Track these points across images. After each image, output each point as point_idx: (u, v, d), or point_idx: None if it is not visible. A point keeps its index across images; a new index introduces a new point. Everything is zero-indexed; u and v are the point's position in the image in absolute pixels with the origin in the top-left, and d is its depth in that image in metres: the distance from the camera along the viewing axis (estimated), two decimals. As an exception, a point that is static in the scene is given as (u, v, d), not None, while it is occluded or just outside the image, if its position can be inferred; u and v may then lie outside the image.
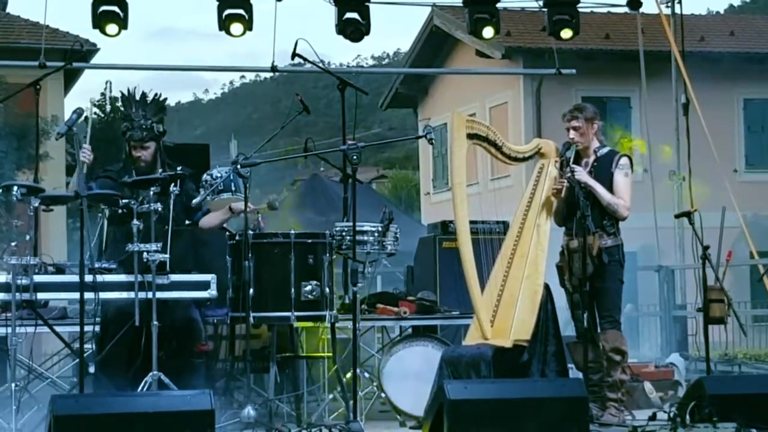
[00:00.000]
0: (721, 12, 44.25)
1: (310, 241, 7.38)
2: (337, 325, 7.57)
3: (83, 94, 54.50)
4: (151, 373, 6.61)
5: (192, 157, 9.24)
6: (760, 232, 15.72)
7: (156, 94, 7.52)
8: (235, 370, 7.57)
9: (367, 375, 8.06)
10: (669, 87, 15.81)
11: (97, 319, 6.93)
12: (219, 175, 7.60)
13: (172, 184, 6.95)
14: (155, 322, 6.63)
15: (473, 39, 16.02)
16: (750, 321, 14.55)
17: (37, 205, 6.64)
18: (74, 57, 12.45)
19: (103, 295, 6.69)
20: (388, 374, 7.85)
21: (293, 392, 7.98)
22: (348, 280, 7.32)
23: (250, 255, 7.13)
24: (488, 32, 11.05)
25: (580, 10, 11.25)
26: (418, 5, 16.68)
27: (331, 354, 7.83)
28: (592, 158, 7.61)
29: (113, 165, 7.60)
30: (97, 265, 6.70)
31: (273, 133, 7.78)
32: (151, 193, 6.78)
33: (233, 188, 7.60)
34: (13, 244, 6.67)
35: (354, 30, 10.61)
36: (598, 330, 7.51)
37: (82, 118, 7.22)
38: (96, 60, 19.09)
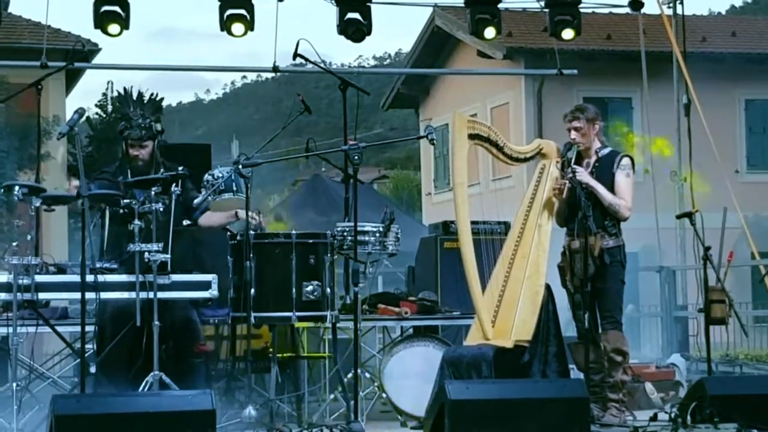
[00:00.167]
0: (723, 12, 44.31)
1: (311, 241, 7.38)
2: (338, 325, 7.57)
3: (85, 94, 54.70)
4: (152, 373, 6.61)
5: (193, 158, 9.24)
6: (762, 233, 15.72)
7: (152, 94, 7.52)
8: (236, 370, 7.57)
9: (368, 375, 8.06)
10: (670, 87, 15.83)
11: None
12: (220, 175, 7.60)
13: (174, 184, 6.95)
14: (156, 322, 6.63)
15: (475, 39, 16.03)
16: (751, 322, 14.54)
17: (38, 205, 6.64)
18: (76, 57, 12.46)
19: (104, 295, 6.69)
20: (389, 374, 7.85)
21: (294, 392, 7.98)
22: (349, 281, 7.33)
23: (251, 255, 7.13)
24: (490, 33, 11.04)
25: (581, 10, 11.25)
26: (420, 6, 16.74)
27: (332, 354, 7.84)
28: (593, 159, 7.60)
29: (109, 166, 7.60)
30: (98, 265, 6.70)
31: (274, 134, 7.78)
32: (153, 193, 6.78)
33: (234, 188, 7.60)
34: (14, 244, 6.67)
35: (355, 30, 10.61)
36: (600, 330, 7.51)
37: (84, 118, 7.20)
38: (97, 60, 19.10)
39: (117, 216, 7.11)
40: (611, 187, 7.49)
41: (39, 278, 6.62)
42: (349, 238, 7.40)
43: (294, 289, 7.24)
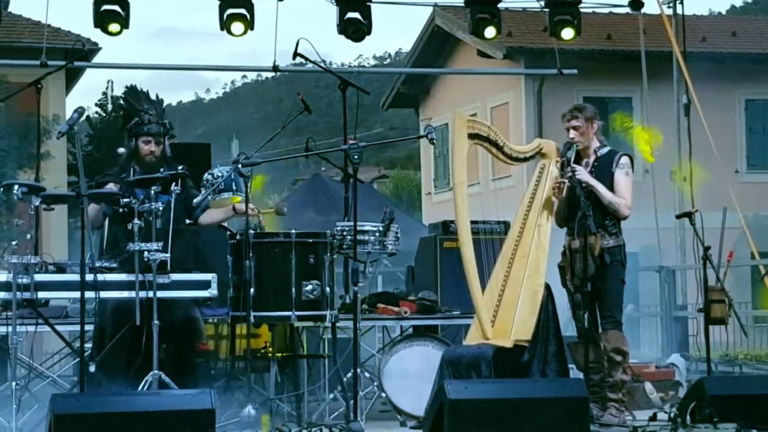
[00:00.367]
0: (723, 12, 44.31)
1: (310, 240, 7.37)
2: (337, 324, 7.57)
3: (85, 94, 54.68)
4: (151, 372, 6.61)
5: (193, 157, 9.24)
6: (761, 233, 15.71)
7: (156, 95, 7.53)
8: (236, 369, 7.56)
9: (367, 375, 8.06)
10: (670, 87, 15.83)
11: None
12: (220, 174, 7.60)
13: (174, 183, 6.94)
14: (156, 321, 6.63)
15: (475, 39, 16.03)
16: (751, 322, 14.54)
17: (37, 204, 6.64)
18: (76, 56, 12.46)
19: (104, 294, 6.69)
20: (388, 374, 7.85)
21: (294, 392, 7.98)
22: (349, 280, 7.33)
23: (250, 254, 7.13)
24: (490, 32, 11.05)
25: (581, 10, 11.26)
26: (420, 5, 16.73)
27: (331, 354, 7.83)
28: (592, 158, 7.61)
29: (111, 168, 7.56)
30: (97, 264, 6.70)
31: (274, 133, 7.78)
32: (153, 192, 6.78)
33: (234, 188, 7.60)
34: (14, 243, 6.67)
35: (355, 30, 10.61)
36: (599, 330, 7.51)
37: (83, 117, 7.20)
38: (97, 59, 19.12)
39: (117, 215, 7.11)
40: (610, 186, 7.49)
41: (38, 277, 6.62)
42: (349, 237, 7.40)
43: (293, 289, 7.24)
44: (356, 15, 10.59)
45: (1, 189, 6.84)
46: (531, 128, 20.90)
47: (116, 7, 10.23)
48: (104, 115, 25.66)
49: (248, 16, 10.49)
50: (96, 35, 17.91)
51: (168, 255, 6.72)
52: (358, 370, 7.20)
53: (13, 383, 6.50)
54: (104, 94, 26.00)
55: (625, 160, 7.58)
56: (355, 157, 7.14)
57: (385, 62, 64.67)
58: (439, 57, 23.79)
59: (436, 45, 23.67)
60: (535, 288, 7.32)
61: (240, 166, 7.18)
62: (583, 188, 7.38)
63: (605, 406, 7.45)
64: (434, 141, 7.61)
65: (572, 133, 7.57)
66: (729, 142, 20.84)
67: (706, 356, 8.27)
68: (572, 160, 7.49)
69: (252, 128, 45.91)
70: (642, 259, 14.83)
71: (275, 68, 11.33)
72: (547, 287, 7.36)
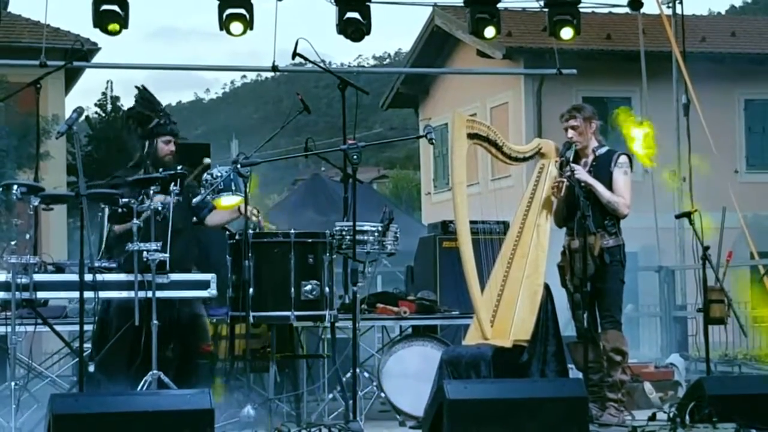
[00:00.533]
0: (723, 12, 44.31)
1: (310, 240, 7.37)
2: (336, 324, 7.57)
3: (84, 94, 54.67)
4: (150, 372, 6.61)
5: (193, 157, 9.23)
6: (761, 233, 15.72)
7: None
8: (235, 369, 7.56)
9: (366, 375, 8.06)
10: (670, 87, 15.82)
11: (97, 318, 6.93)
12: (219, 174, 7.60)
13: (172, 183, 6.95)
14: (155, 322, 6.63)
15: (474, 39, 16.03)
16: (750, 321, 14.53)
17: (36, 204, 6.64)
18: (75, 56, 12.47)
19: (103, 294, 6.69)
20: (387, 374, 7.85)
21: (293, 392, 7.98)
22: (348, 280, 7.32)
23: (249, 254, 7.13)
24: (489, 32, 11.05)
25: (581, 10, 11.26)
26: (420, 5, 16.72)
27: (330, 354, 7.83)
28: (590, 158, 7.61)
29: (119, 170, 7.55)
30: (96, 264, 6.70)
31: (273, 133, 7.78)
32: (152, 192, 6.79)
33: (233, 188, 7.60)
34: (13, 243, 6.67)
35: (355, 30, 10.61)
36: (599, 330, 7.51)
37: (82, 117, 7.19)
38: (97, 59, 19.13)
39: (117, 215, 7.11)
40: (609, 186, 7.50)
41: (37, 277, 6.62)
42: (348, 237, 7.40)
43: (293, 289, 7.23)
44: (355, 15, 10.60)
45: (1, 189, 6.84)
46: (530, 128, 20.89)
47: (115, 7, 10.23)
48: (104, 115, 25.65)
49: (247, 15, 10.49)
50: (95, 35, 17.96)
51: (167, 255, 6.72)
52: (357, 370, 7.21)
53: (13, 383, 6.50)
54: (104, 94, 26.00)
55: (623, 159, 7.58)
56: (354, 157, 7.14)
57: (384, 62, 64.68)
58: (438, 57, 23.78)
59: (435, 45, 23.67)
60: (535, 288, 7.32)
61: (239, 166, 7.17)
62: (582, 188, 7.38)
63: (604, 405, 7.45)
64: (433, 141, 7.61)
65: (570, 133, 7.58)
66: (728, 142, 20.83)
67: (705, 356, 8.28)
68: (571, 159, 7.49)
69: (251, 128, 45.91)
70: (641, 259, 14.84)
71: (274, 68, 11.33)
72: (547, 287, 7.36)
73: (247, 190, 7.25)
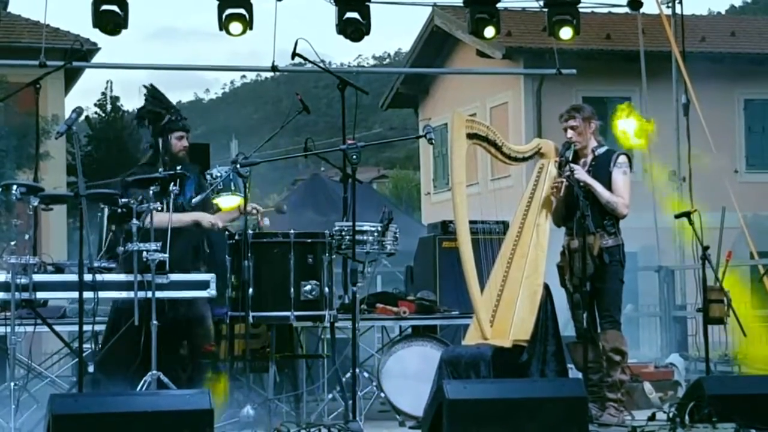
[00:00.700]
0: (722, 12, 44.29)
1: (309, 240, 7.37)
2: (336, 324, 7.57)
3: (84, 94, 54.62)
4: (150, 372, 6.61)
5: (192, 157, 9.22)
6: (761, 233, 15.71)
7: None
8: (235, 369, 7.57)
9: (366, 375, 8.06)
10: (669, 87, 15.82)
11: (99, 318, 6.93)
12: (219, 174, 7.61)
13: (172, 183, 6.95)
14: (154, 322, 6.63)
15: (474, 39, 16.01)
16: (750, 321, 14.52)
17: (36, 204, 6.64)
18: (74, 56, 12.47)
19: (102, 294, 6.69)
20: (387, 374, 7.85)
21: (292, 392, 7.98)
22: (347, 280, 7.32)
23: (249, 254, 7.13)
24: (489, 32, 11.05)
25: (580, 10, 11.26)
26: (419, 5, 16.71)
27: (330, 354, 7.83)
28: (590, 158, 7.62)
29: (134, 168, 7.54)
30: (96, 264, 6.70)
31: (273, 133, 7.78)
32: (151, 192, 6.79)
33: (233, 188, 7.60)
34: (12, 243, 6.67)
35: (354, 30, 10.61)
36: (598, 330, 7.51)
37: (82, 117, 7.19)
38: (97, 59, 19.11)
39: (115, 215, 7.11)
40: (608, 186, 7.50)
41: (37, 277, 6.62)
42: (348, 237, 7.40)
43: (292, 289, 7.23)
44: (355, 15, 10.60)
45: (0, 189, 6.84)
46: (530, 128, 20.88)
47: (115, 8, 10.23)
48: (103, 115, 25.67)
49: (247, 15, 10.50)
50: (95, 35, 18.00)
51: (167, 255, 6.72)
52: (357, 370, 7.21)
53: (12, 383, 6.50)
54: (103, 94, 26.02)
55: (622, 159, 7.59)
56: (354, 157, 7.14)
57: (384, 62, 64.68)
58: (438, 57, 23.77)
59: (435, 45, 23.66)
60: (534, 288, 7.33)
61: (238, 166, 7.17)
62: (581, 188, 7.38)
63: (604, 405, 7.45)
64: (433, 141, 7.61)
65: (570, 133, 7.58)
66: (728, 141, 20.82)
67: (705, 356, 8.28)
68: (570, 159, 7.49)
69: (251, 128, 45.93)
70: (641, 258, 14.83)
71: (274, 68, 11.33)
72: (546, 287, 7.36)
73: (247, 190, 7.26)
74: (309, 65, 8.31)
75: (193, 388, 6.63)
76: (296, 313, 7.26)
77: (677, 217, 8.46)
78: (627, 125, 11.36)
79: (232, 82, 70.16)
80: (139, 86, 7.56)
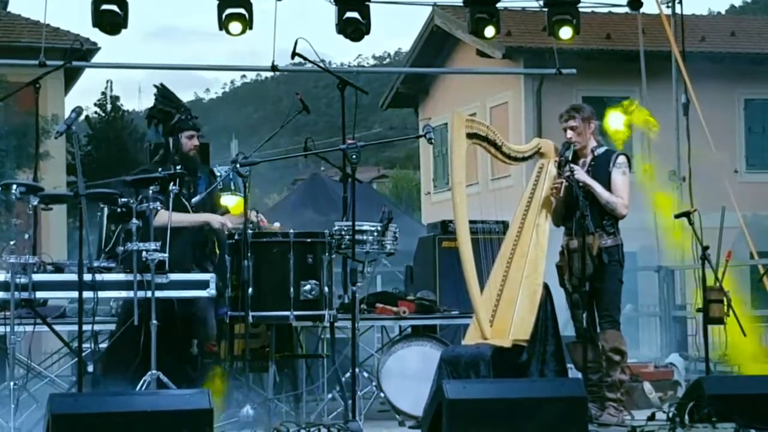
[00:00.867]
0: (722, 12, 44.28)
1: (309, 240, 7.37)
2: (336, 324, 7.57)
3: (84, 93, 54.53)
4: (149, 372, 6.61)
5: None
6: (760, 233, 15.71)
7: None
8: (234, 369, 7.57)
9: (366, 374, 8.06)
10: (669, 87, 15.82)
11: (99, 318, 6.94)
12: (219, 174, 7.60)
13: (171, 183, 6.95)
14: (154, 321, 6.64)
15: (474, 39, 16.01)
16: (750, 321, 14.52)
17: (36, 203, 6.64)
18: (74, 56, 12.46)
19: (103, 294, 6.69)
20: (387, 374, 7.85)
21: (292, 391, 7.98)
22: (347, 280, 7.32)
23: (249, 254, 7.13)
24: (489, 32, 11.05)
25: (580, 10, 11.26)
26: (419, 5, 16.67)
27: (330, 353, 7.83)
28: (589, 158, 7.62)
29: (145, 165, 7.54)
30: (96, 264, 6.70)
31: (273, 133, 7.78)
32: (151, 192, 6.80)
33: (233, 187, 7.59)
34: (12, 242, 6.67)
35: (354, 29, 10.61)
36: (598, 330, 7.51)
37: (81, 116, 7.19)
38: (97, 59, 19.10)
39: (114, 214, 7.11)
40: (608, 186, 7.50)
41: (36, 277, 6.62)
42: (347, 237, 7.39)
43: (292, 289, 7.23)
44: (355, 14, 10.59)
45: (0, 188, 6.84)
46: (530, 128, 20.87)
47: (115, 7, 10.22)
48: (103, 115, 25.68)
49: (247, 15, 10.49)
50: (95, 35, 17.96)
51: (166, 255, 6.72)
52: (357, 370, 7.21)
53: (12, 383, 6.50)
54: (103, 94, 26.04)
55: (622, 159, 7.59)
56: (353, 156, 7.14)
57: (384, 62, 64.66)
58: (438, 57, 23.77)
59: (435, 45, 23.65)
60: (534, 287, 7.33)
61: (238, 165, 7.17)
62: (580, 188, 7.38)
63: (604, 405, 7.45)
64: (433, 141, 7.61)
65: (569, 133, 7.59)
66: (728, 141, 20.81)
67: (704, 356, 8.27)
68: (570, 159, 7.49)
69: (251, 128, 45.94)
70: (641, 258, 14.83)
71: (274, 68, 11.33)
72: (546, 287, 7.36)
73: (247, 190, 7.26)
74: (309, 65, 8.31)
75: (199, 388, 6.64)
76: (296, 313, 7.26)
77: (677, 217, 8.46)
78: (614, 119, 11.32)
79: (232, 82, 70.20)
80: (138, 86, 7.63)
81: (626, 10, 12.98)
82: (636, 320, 13.95)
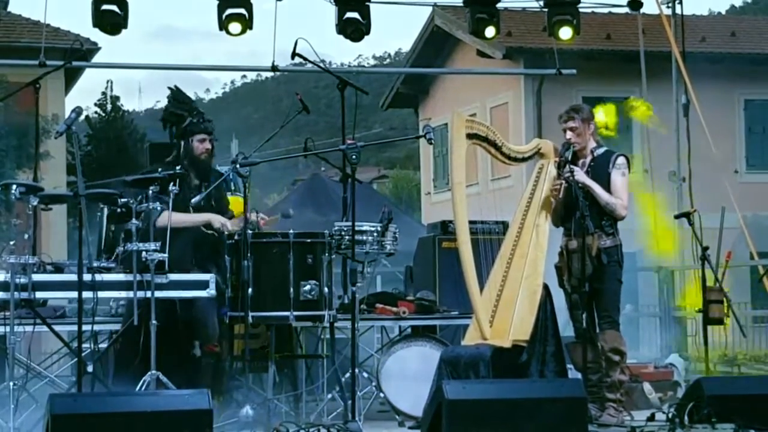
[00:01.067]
0: (723, 12, 44.29)
1: (309, 240, 7.37)
2: (335, 324, 7.56)
3: (84, 93, 54.60)
4: (149, 372, 6.61)
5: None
6: (760, 233, 15.71)
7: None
8: (234, 369, 7.57)
9: (365, 375, 8.06)
10: (669, 87, 15.82)
11: (101, 318, 6.95)
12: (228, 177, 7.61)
13: (171, 183, 6.95)
14: (153, 321, 6.64)
15: (474, 39, 16.02)
16: (750, 322, 14.53)
17: (35, 203, 6.64)
18: (74, 56, 12.46)
19: (103, 294, 6.69)
20: (386, 374, 7.85)
21: (292, 392, 7.98)
22: (347, 280, 7.32)
23: (248, 254, 7.12)
24: (489, 32, 11.05)
25: (580, 10, 11.26)
26: (419, 5, 16.70)
27: (329, 354, 7.83)
28: (588, 158, 7.62)
29: (156, 164, 7.54)
30: (95, 264, 6.70)
31: (273, 133, 7.78)
32: (150, 192, 6.80)
33: (233, 188, 7.58)
34: (11, 243, 6.67)
35: (354, 30, 10.60)
36: (597, 330, 7.51)
37: (81, 117, 7.19)
38: (97, 59, 19.10)
39: (114, 214, 7.12)
40: (607, 187, 7.50)
41: (36, 277, 6.62)
42: (347, 237, 7.39)
43: (292, 289, 7.23)
44: (355, 15, 10.59)
45: (0, 188, 6.84)
46: (530, 128, 20.87)
47: (115, 7, 10.22)
48: (103, 115, 25.68)
49: (247, 15, 10.49)
50: (95, 35, 17.96)
51: (166, 255, 6.72)
52: (357, 371, 7.21)
53: (11, 383, 6.50)
54: (103, 94, 26.04)
55: (621, 160, 7.59)
56: (353, 157, 7.14)
57: (384, 62, 64.65)
58: (438, 57, 23.77)
59: (435, 45, 23.65)
60: (534, 288, 7.33)
61: (238, 166, 7.17)
62: (580, 188, 7.38)
63: (603, 406, 7.45)
64: (433, 141, 7.61)
65: (569, 134, 7.59)
66: (728, 142, 20.81)
67: (704, 356, 8.27)
68: (569, 160, 7.49)
69: (251, 128, 45.93)
70: (640, 259, 14.83)
71: (274, 68, 11.33)
72: (546, 287, 7.36)
73: (247, 190, 7.26)
74: (309, 65, 8.32)
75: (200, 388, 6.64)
76: (296, 313, 7.26)
77: (677, 217, 8.47)
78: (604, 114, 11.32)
79: (232, 82, 70.21)
80: (139, 86, 7.62)
81: (626, 10, 12.98)
82: (636, 321, 13.95)
